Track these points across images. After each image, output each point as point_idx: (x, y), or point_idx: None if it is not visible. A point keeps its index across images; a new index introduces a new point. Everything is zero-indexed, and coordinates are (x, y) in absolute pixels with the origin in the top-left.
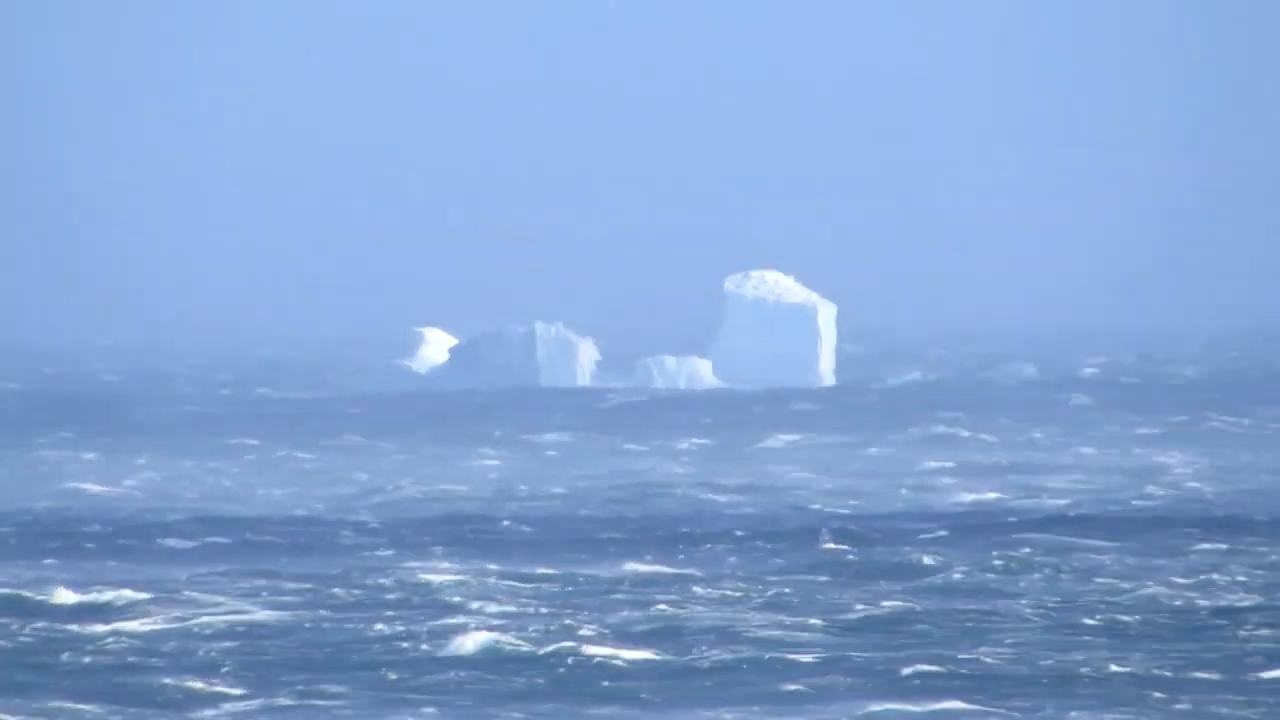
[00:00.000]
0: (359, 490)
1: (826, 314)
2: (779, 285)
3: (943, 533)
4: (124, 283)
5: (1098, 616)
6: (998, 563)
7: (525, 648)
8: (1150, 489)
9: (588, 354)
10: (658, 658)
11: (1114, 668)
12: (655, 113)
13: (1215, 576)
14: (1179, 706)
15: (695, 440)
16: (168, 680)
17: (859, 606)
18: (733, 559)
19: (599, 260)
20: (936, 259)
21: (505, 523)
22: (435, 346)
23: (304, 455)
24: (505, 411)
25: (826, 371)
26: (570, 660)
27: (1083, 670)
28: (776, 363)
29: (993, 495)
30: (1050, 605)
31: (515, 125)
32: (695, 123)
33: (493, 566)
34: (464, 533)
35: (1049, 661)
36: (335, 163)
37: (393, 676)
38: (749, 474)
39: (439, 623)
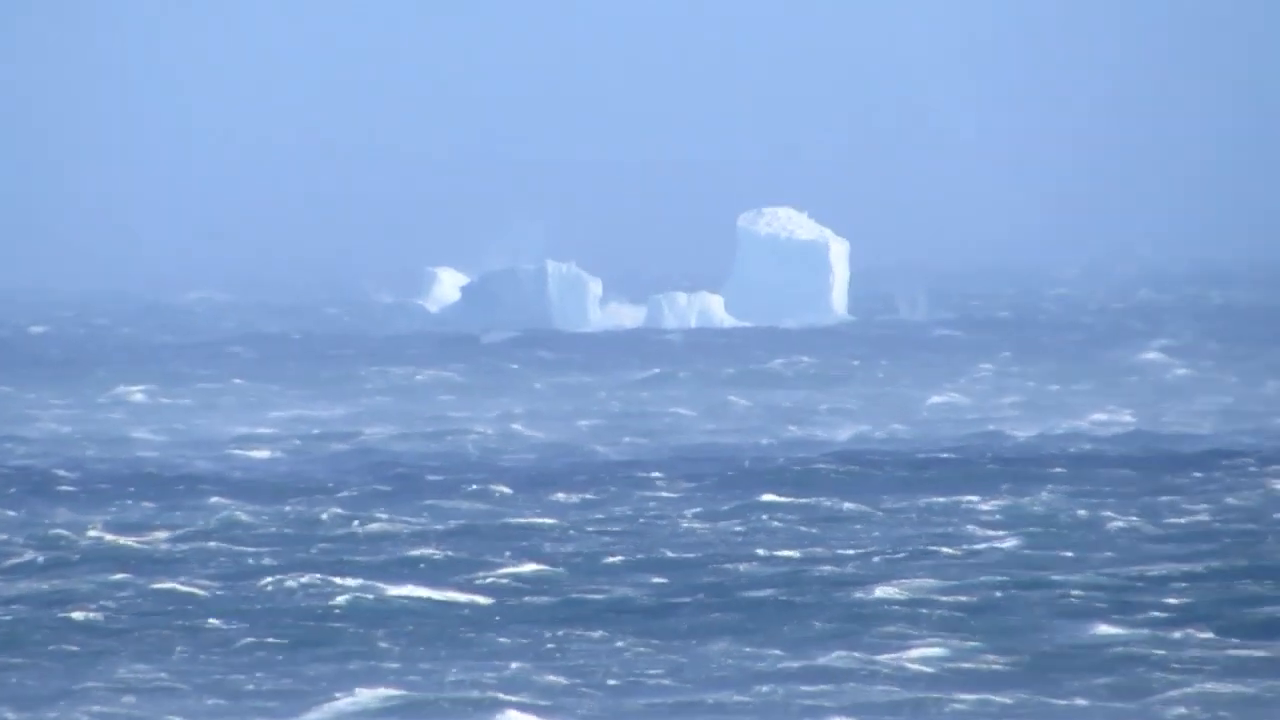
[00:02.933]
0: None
1: (839, 250)
2: (792, 221)
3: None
4: (136, 226)
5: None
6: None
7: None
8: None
9: (598, 291)
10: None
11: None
12: (667, 48)
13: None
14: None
15: (553, 380)
16: None
17: (515, 569)
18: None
19: (614, 199)
20: (948, 195)
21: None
22: (448, 285)
23: (183, 400)
24: (407, 350)
25: (839, 307)
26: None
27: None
28: (788, 299)
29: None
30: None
31: (530, 62)
32: (710, 60)
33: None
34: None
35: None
36: (341, 107)
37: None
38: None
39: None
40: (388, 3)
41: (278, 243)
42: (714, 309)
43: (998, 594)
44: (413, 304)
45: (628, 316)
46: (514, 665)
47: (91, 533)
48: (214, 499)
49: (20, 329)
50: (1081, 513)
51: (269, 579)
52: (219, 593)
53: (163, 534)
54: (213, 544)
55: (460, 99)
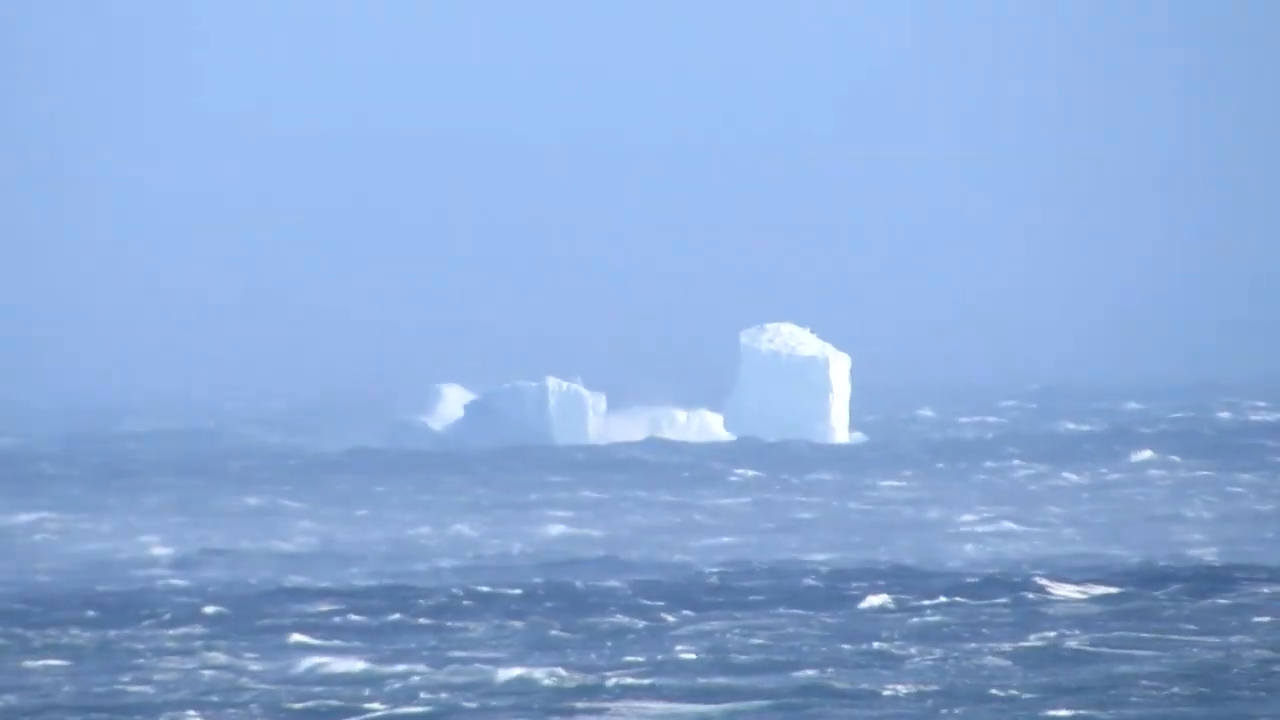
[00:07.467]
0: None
1: (840, 366)
2: (794, 338)
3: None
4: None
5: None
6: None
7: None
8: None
9: (599, 409)
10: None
11: None
12: (673, 165)
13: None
14: None
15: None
16: None
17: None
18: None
19: (619, 315)
20: (949, 312)
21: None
22: (453, 403)
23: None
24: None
25: (839, 424)
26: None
27: None
28: (790, 416)
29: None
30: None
31: (530, 180)
32: (714, 174)
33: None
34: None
35: None
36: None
37: None
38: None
39: None
40: (387, 100)
41: (289, 350)
42: (713, 426)
43: None
44: (417, 421)
45: (628, 433)
46: None
47: None
48: None
49: None
50: None
51: None
52: None
53: None
54: None
55: (467, 219)
